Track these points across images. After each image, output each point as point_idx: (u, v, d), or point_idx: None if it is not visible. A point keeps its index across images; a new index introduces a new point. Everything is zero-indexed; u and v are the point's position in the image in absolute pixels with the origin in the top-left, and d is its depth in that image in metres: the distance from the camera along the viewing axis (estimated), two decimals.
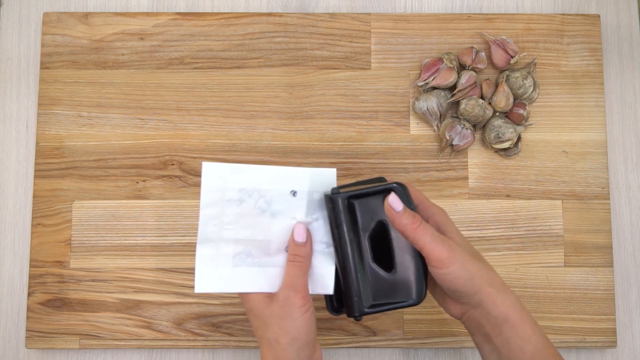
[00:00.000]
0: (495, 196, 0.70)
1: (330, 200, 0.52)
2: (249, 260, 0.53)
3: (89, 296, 0.68)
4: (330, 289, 0.53)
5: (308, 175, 0.53)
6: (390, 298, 0.53)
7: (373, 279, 0.53)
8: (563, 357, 0.51)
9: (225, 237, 0.52)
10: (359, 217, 0.52)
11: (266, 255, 0.53)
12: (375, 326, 0.68)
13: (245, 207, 0.52)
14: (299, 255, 0.52)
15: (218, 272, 0.53)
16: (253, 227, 0.53)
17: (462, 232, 0.69)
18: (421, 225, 0.49)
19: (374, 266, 0.53)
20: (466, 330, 0.66)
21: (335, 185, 0.53)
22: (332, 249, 0.53)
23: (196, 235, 0.69)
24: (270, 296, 0.52)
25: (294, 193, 0.53)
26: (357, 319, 0.53)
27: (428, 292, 0.54)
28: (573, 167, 0.70)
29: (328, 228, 0.53)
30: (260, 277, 0.53)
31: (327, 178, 0.53)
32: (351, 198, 0.52)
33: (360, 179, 0.70)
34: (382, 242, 0.53)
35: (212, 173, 0.52)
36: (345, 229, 0.52)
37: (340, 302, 0.55)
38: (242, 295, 0.53)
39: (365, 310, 0.52)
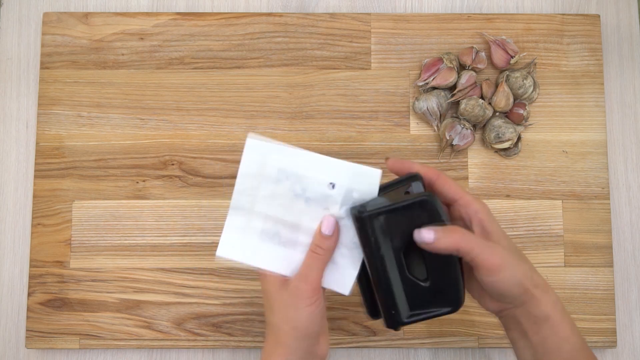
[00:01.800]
0: (495, 196, 0.70)
1: (358, 220, 0.50)
2: (275, 239, 0.52)
3: (89, 296, 0.68)
4: (346, 290, 0.52)
5: (351, 170, 0.51)
6: (428, 306, 0.51)
7: (409, 289, 0.51)
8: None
9: (257, 210, 0.52)
10: (388, 232, 0.50)
11: (293, 238, 0.52)
12: (375, 326, 0.68)
13: (281, 187, 0.51)
14: (320, 247, 0.51)
15: (243, 242, 0.52)
16: (285, 208, 0.52)
17: None
18: (463, 237, 0.47)
19: (409, 276, 0.51)
20: (467, 330, 0.66)
21: (376, 189, 0.51)
22: (359, 251, 0.52)
23: (199, 235, 0.69)
24: (285, 281, 0.51)
25: (332, 185, 0.51)
26: (396, 329, 0.52)
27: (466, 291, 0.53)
28: (573, 167, 0.70)
29: None
30: (281, 258, 0.53)
31: (369, 178, 0.51)
32: (379, 215, 0.50)
33: None
34: (415, 250, 0.51)
35: (256, 147, 0.52)
36: (374, 247, 0.50)
37: (377, 309, 0.54)
38: (260, 274, 0.52)
39: (404, 321, 0.51)
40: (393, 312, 0.51)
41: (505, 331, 0.53)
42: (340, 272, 0.53)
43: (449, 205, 0.52)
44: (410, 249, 0.50)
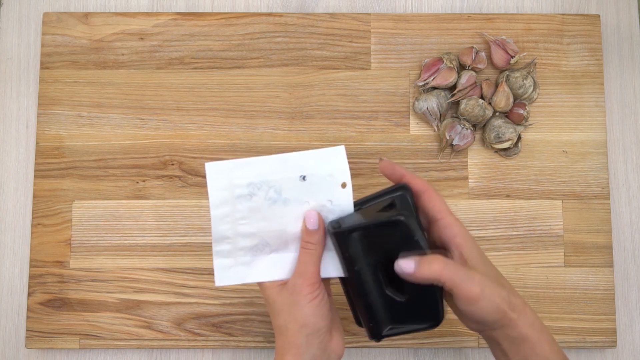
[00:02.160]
0: (495, 196, 0.70)
1: (333, 235, 0.50)
2: (266, 250, 0.52)
3: (89, 296, 0.68)
4: (342, 271, 0.52)
5: (313, 157, 0.51)
6: (407, 321, 0.51)
7: (388, 304, 0.51)
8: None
9: (241, 232, 0.52)
10: (364, 248, 0.50)
11: (283, 243, 0.52)
12: None
13: (256, 200, 0.51)
14: (310, 242, 0.51)
15: (236, 265, 0.52)
16: (267, 219, 0.52)
17: None
18: (445, 268, 0.47)
19: (388, 291, 0.51)
20: (467, 330, 0.66)
21: (345, 163, 0.51)
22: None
23: (199, 235, 0.69)
24: (283, 284, 0.51)
25: (303, 177, 0.51)
26: (377, 341, 0.52)
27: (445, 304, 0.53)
28: (573, 167, 0.70)
29: (348, 206, 0.51)
30: (277, 265, 0.52)
31: (336, 156, 0.51)
32: (354, 231, 0.50)
33: (360, 179, 0.70)
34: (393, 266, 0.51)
35: (217, 173, 0.51)
36: (350, 262, 0.50)
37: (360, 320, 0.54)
38: (259, 284, 0.53)
39: (382, 334, 0.51)
40: (371, 324, 0.51)
41: (490, 348, 0.54)
42: (332, 256, 0.52)
43: (430, 222, 0.52)
44: (389, 265, 0.50)
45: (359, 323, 0.54)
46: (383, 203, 0.51)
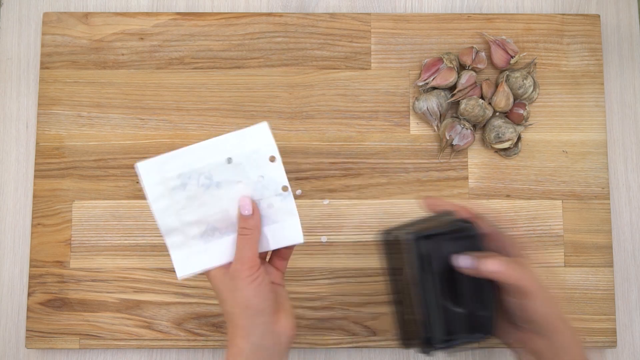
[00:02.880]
0: (495, 196, 0.70)
1: (408, 243, 0.51)
2: (216, 234, 0.54)
3: (89, 296, 0.68)
4: (299, 238, 0.54)
5: (236, 138, 0.52)
6: (462, 332, 0.52)
7: (445, 314, 0.52)
8: None
9: (186, 221, 0.53)
10: (431, 256, 0.51)
11: (231, 225, 0.54)
12: (375, 326, 0.68)
13: (190, 188, 0.53)
14: (246, 227, 0.52)
15: (192, 254, 0.54)
16: (206, 204, 0.53)
17: None
18: (503, 261, 0.50)
19: (445, 302, 0.52)
20: None
21: (270, 137, 0.52)
22: (289, 199, 0.53)
23: None
24: (226, 271, 0.53)
25: (229, 160, 0.53)
26: (429, 355, 0.53)
27: None
28: (573, 167, 0.70)
29: (281, 178, 0.53)
30: (231, 248, 0.54)
31: (259, 133, 0.52)
32: (424, 238, 0.51)
33: (360, 179, 0.70)
34: (451, 276, 0.52)
35: (148, 170, 0.53)
36: (420, 269, 0.51)
37: (409, 337, 0.55)
38: (206, 274, 0.54)
39: (438, 346, 0.52)
40: (428, 335, 0.52)
41: None
42: (282, 226, 0.54)
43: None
44: (447, 276, 0.51)
45: (405, 340, 0.55)
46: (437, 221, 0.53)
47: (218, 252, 0.54)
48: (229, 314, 0.52)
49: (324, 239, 0.69)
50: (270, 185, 0.53)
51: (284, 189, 0.53)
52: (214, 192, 0.53)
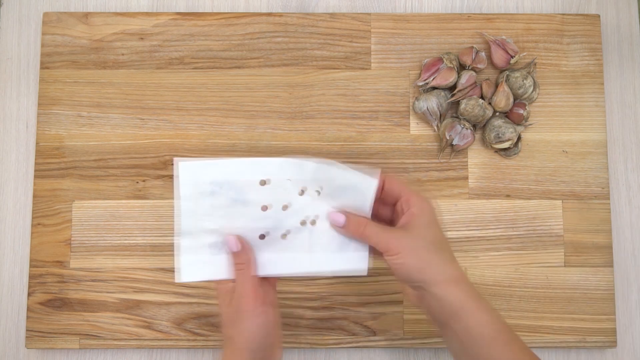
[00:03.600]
0: (495, 196, 0.70)
1: None
2: (224, 249, 0.54)
3: (89, 296, 0.68)
4: (363, 265, 0.55)
5: (277, 164, 0.53)
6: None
7: None
8: (546, 355, 0.53)
9: (202, 228, 0.54)
10: None
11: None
12: (375, 326, 0.68)
13: (218, 197, 0.53)
14: (239, 263, 0.53)
15: (199, 261, 0.54)
16: (228, 216, 0.54)
17: (462, 232, 0.69)
18: (367, 225, 0.53)
19: None
20: None
21: (309, 173, 0.53)
22: (326, 225, 0.54)
23: None
24: (232, 294, 0.54)
25: (262, 182, 0.53)
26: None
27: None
28: (573, 167, 0.70)
29: (314, 207, 0.54)
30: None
31: (299, 167, 0.53)
32: None
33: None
34: None
35: (187, 170, 0.53)
36: None
37: None
38: (215, 286, 0.55)
39: None
40: None
41: (434, 326, 0.55)
42: (286, 254, 0.55)
43: (395, 203, 0.55)
44: None
45: None
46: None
47: (224, 266, 0.54)
48: (230, 338, 0.53)
49: None
50: (302, 211, 0.54)
51: (307, 222, 0.54)
52: (239, 208, 0.53)
